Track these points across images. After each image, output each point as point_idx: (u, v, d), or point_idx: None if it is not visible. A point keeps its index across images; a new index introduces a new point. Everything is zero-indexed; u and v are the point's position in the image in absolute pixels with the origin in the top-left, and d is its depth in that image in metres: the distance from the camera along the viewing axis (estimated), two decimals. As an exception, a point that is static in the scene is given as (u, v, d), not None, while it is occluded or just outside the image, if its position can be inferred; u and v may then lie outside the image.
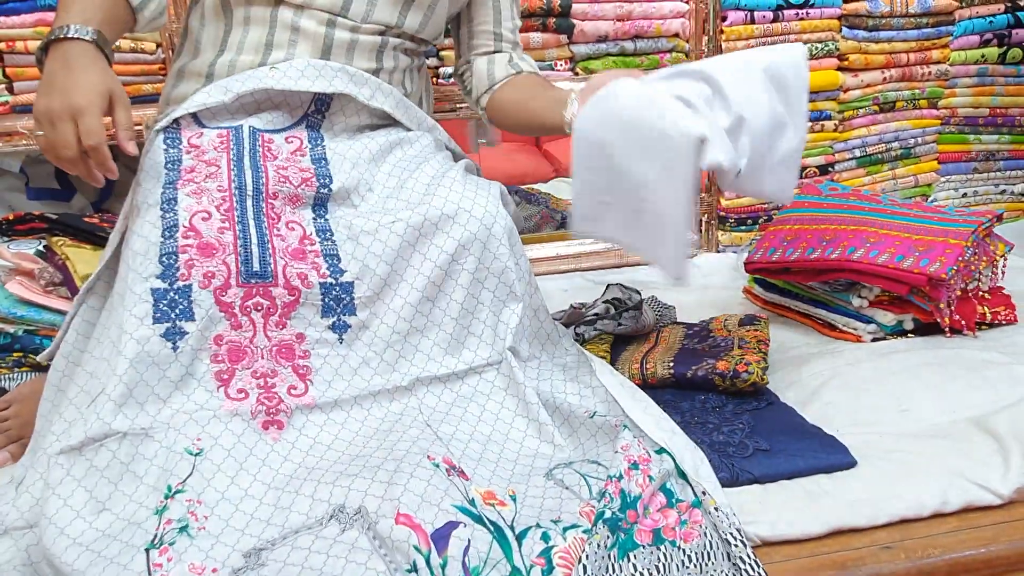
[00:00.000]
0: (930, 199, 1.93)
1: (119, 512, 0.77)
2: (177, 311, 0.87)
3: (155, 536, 0.74)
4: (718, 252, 1.83)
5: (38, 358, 1.12)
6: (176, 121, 0.99)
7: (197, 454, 0.82)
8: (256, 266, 0.92)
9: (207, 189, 0.94)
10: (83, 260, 1.28)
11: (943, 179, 1.94)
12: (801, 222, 1.40)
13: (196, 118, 1.00)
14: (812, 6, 1.72)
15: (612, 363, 1.14)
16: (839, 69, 1.78)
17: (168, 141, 0.97)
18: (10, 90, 1.48)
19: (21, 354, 1.25)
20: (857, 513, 0.82)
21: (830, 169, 1.83)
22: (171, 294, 0.87)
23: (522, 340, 1.01)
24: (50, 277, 1.28)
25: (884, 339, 1.26)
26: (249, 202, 0.95)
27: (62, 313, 1.27)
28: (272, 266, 0.92)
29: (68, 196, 1.68)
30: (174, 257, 0.89)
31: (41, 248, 1.33)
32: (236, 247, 0.92)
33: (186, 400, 0.85)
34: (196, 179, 0.95)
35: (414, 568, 0.69)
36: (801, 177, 1.81)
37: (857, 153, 1.85)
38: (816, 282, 1.33)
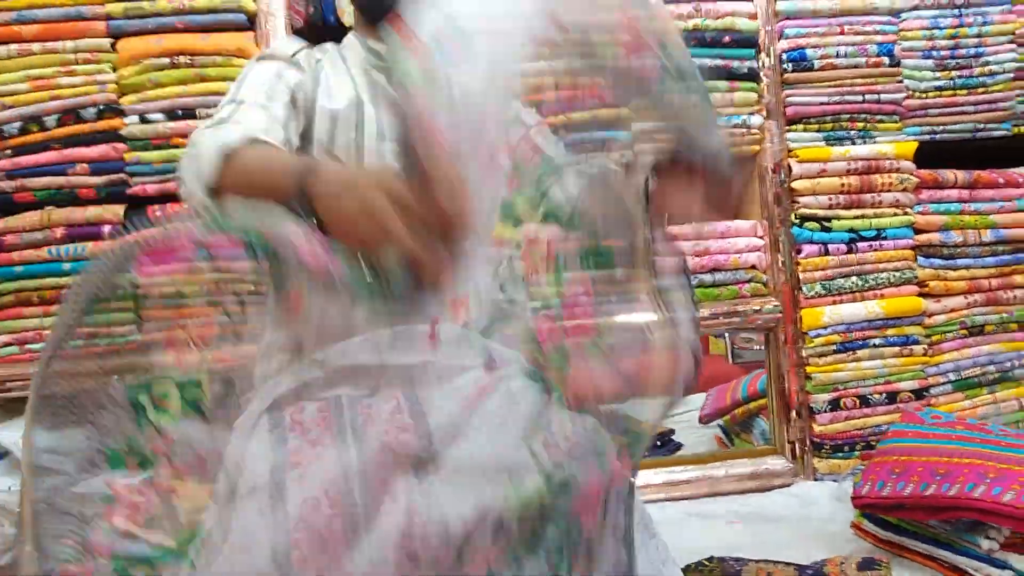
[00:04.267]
0: (1037, 424, 1.84)
1: None
2: None
3: None
4: (816, 480, 1.75)
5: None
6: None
7: None
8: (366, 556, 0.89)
9: (313, 472, 0.93)
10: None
11: (1048, 403, 1.86)
12: (908, 453, 1.35)
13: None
14: (885, 238, 1.79)
15: (726, 613, 1.06)
16: (920, 295, 1.80)
17: (273, 420, 0.97)
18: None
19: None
20: None
21: (925, 393, 1.79)
22: None
23: None
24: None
25: (1025, 587, 1.15)
26: (356, 482, 0.94)
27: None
28: (383, 552, 0.89)
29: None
30: (286, 557, 0.87)
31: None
32: (345, 537, 0.89)
33: None
34: (302, 461, 0.94)
35: None
36: (896, 402, 1.77)
37: (952, 377, 1.81)
38: (935, 520, 1.25)
